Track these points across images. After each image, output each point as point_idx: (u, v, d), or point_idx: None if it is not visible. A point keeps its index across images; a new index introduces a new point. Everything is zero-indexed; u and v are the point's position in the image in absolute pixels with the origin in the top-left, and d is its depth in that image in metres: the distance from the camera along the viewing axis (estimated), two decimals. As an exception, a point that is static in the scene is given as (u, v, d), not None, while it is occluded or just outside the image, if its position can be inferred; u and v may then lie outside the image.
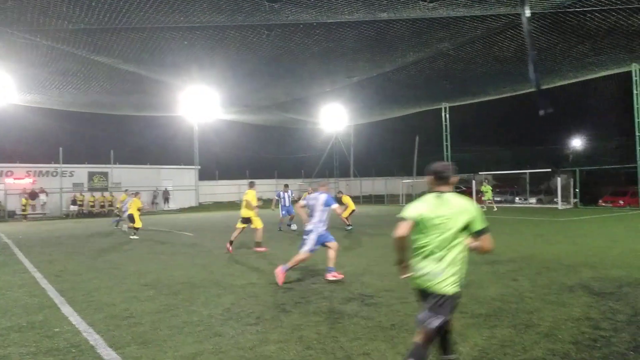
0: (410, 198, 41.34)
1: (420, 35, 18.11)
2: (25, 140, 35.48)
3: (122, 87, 24.83)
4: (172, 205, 38.73)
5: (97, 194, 34.99)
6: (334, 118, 37.88)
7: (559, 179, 29.28)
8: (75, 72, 21.44)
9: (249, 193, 12.03)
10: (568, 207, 28.56)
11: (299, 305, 6.25)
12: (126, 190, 23.52)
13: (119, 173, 37.03)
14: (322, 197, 8.05)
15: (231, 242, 11.79)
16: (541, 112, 4.46)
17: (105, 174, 36.66)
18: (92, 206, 34.07)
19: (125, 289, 7.58)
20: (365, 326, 5.25)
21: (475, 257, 9.76)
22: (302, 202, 8.52)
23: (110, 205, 34.70)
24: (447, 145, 37.18)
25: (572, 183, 30.05)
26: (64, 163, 33.98)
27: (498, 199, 30.48)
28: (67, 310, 6.28)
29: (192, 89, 27.41)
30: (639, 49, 20.97)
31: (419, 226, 3.46)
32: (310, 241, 7.84)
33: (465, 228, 3.41)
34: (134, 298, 6.88)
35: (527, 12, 4.28)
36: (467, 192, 35.42)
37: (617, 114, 39.90)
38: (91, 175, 36.11)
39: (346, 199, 17.63)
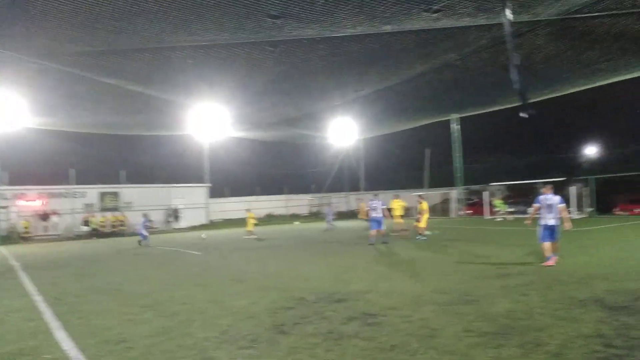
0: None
1: (425, 46, 17.95)
2: (36, 162, 35.86)
3: (131, 107, 24.96)
4: (183, 223, 38.73)
5: (109, 214, 35.17)
6: (344, 132, 37.75)
7: (573, 188, 28.70)
8: (84, 94, 21.63)
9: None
10: (583, 216, 27.93)
11: (298, 326, 6.02)
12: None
13: (130, 192, 37.19)
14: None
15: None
16: (524, 115, 4.34)
17: (116, 194, 36.84)
18: (103, 226, 34.20)
19: (123, 311, 7.42)
20: (365, 348, 5.01)
21: (486, 270, 9.49)
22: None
23: (122, 225, 34.81)
24: (457, 156, 36.79)
25: (586, 192, 29.44)
26: (75, 184, 34.25)
27: (511, 209, 29.91)
28: (60, 335, 6.13)
29: (201, 107, 27.50)
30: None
31: None
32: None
33: None
34: (130, 321, 6.71)
35: (510, 16, 4.14)
36: (477, 204, 34.91)
37: (632, 121, 39.29)
38: (102, 196, 36.32)
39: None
